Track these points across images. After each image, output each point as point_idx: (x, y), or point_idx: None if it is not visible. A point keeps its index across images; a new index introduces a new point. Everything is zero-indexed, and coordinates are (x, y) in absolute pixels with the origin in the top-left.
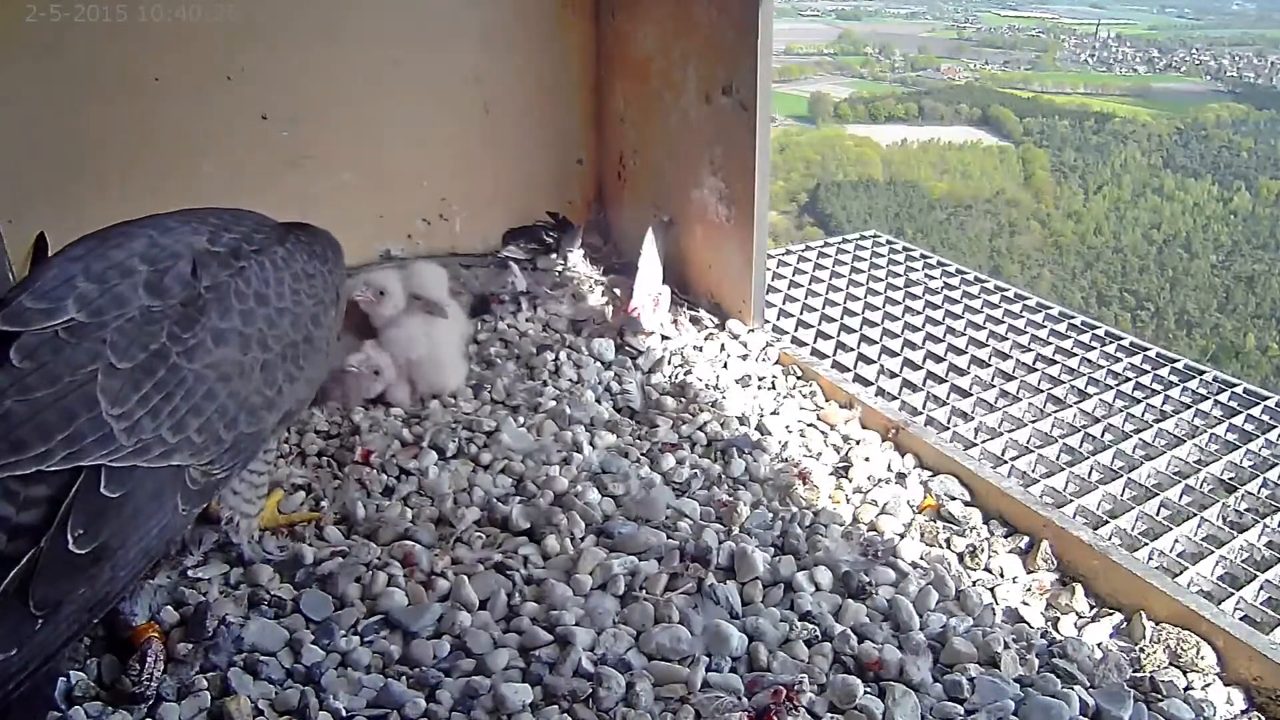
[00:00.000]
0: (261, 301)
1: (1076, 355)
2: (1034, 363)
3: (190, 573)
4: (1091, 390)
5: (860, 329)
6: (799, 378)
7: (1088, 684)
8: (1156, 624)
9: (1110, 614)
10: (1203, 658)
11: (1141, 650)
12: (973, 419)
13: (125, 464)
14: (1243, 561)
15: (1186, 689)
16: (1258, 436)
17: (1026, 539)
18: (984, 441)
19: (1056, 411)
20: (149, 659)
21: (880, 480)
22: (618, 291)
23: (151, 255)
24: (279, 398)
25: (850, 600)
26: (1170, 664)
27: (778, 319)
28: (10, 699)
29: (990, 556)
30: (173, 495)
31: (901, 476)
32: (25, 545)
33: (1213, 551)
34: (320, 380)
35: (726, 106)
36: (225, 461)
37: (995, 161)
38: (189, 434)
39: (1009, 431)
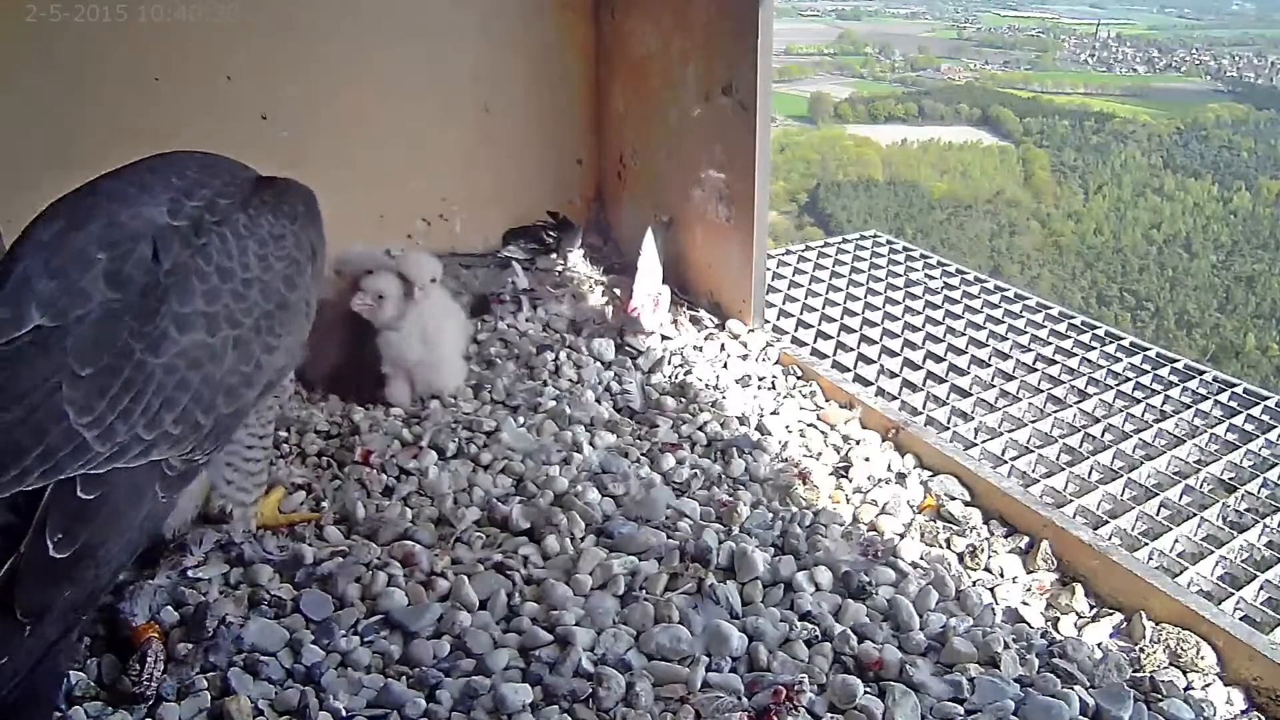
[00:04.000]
0: (225, 276)
1: (1076, 355)
2: (1034, 363)
3: (190, 573)
4: (1091, 390)
5: (860, 329)
6: (799, 378)
7: (1088, 684)
8: (1156, 624)
9: (1110, 614)
10: (1203, 658)
11: (1141, 650)
12: (973, 419)
13: (104, 469)
14: (1243, 561)
15: (1186, 689)
16: (1258, 436)
17: (1026, 539)
18: (984, 441)
19: (1056, 411)
20: (149, 659)
21: (880, 480)
22: (618, 291)
23: (110, 239)
24: (257, 372)
25: (850, 600)
26: (1170, 664)
27: (778, 319)
28: (8, 703)
29: (990, 556)
30: (151, 485)
31: (901, 476)
32: (2, 553)
33: (1213, 551)
34: (301, 343)
35: (726, 106)
36: (207, 446)
37: (995, 161)
38: (165, 428)
39: (1009, 431)
